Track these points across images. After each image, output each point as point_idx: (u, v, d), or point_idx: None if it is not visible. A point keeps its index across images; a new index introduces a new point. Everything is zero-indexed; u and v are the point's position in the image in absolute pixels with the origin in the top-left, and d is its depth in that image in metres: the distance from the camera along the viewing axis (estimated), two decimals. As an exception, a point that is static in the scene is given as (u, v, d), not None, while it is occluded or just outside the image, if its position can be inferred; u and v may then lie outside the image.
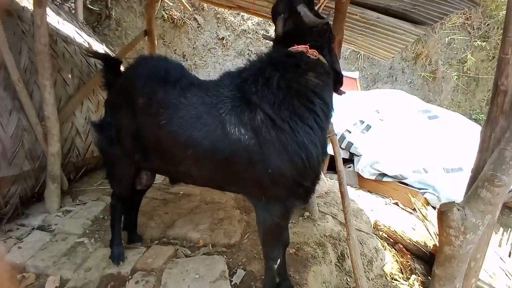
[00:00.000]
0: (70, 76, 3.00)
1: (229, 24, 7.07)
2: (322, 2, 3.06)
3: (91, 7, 6.30)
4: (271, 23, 6.97)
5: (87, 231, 2.35)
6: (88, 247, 2.16)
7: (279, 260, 1.71)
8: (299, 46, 1.47)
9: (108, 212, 2.62)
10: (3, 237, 2.25)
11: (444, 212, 0.93)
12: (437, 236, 2.95)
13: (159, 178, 3.64)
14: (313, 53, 1.47)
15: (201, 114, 1.52)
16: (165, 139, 1.61)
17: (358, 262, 1.94)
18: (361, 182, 4.57)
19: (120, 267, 1.95)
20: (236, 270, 2.03)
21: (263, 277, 2.00)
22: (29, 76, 2.54)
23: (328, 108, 1.51)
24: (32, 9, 2.78)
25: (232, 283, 1.90)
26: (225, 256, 2.16)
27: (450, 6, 2.73)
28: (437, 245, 2.98)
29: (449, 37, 7.57)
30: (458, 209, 0.90)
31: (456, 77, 7.68)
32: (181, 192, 3.20)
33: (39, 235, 2.29)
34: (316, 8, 3.28)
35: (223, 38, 7.07)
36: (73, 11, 5.45)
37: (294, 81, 1.45)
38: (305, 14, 1.46)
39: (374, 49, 4.24)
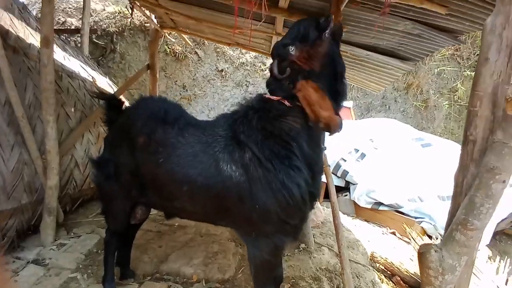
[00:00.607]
0: (73, 110, 3.12)
1: (228, 57, 7.40)
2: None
3: (97, 41, 6.62)
4: (267, 57, 7.31)
5: (80, 266, 2.34)
6: (81, 283, 2.14)
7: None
8: (272, 97, 1.56)
9: (101, 245, 2.61)
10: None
11: (422, 253, 0.97)
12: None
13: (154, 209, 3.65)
14: (285, 102, 1.52)
15: (197, 152, 1.61)
16: (163, 176, 1.68)
17: (353, 299, 1.93)
18: (358, 211, 4.56)
19: (112, 304, 1.93)
20: (229, 307, 2.01)
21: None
22: (33, 111, 2.66)
23: (302, 151, 1.52)
24: (39, 46, 2.96)
25: (225, 321, 1.87)
26: (218, 292, 2.14)
27: (435, 44, 2.92)
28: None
29: (439, 68, 7.89)
30: (436, 251, 0.94)
31: (447, 105, 7.91)
32: (176, 224, 3.20)
33: (33, 269, 2.27)
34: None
35: (222, 70, 7.36)
36: (79, 45, 5.74)
37: (269, 124, 1.54)
38: (270, 69, 1.57)
39: (365, 82, 4.43)
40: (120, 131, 1.91)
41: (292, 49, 1.50)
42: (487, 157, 0.91)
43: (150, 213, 3.52)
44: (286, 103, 1.52)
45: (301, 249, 2.92)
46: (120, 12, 6.94)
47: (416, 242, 3.49)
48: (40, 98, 2.66)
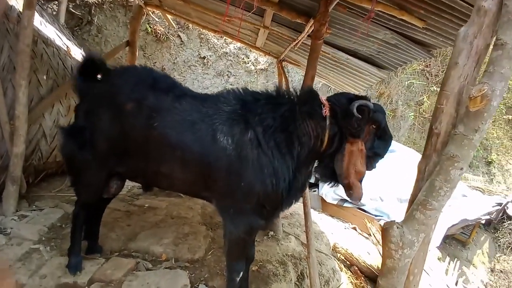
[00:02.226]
0: (45, 77, 2.95)
1: (211, 45, 7.31)
2: (299, 40, 3.37)
3: (74, 11, 6.22)
4: (251, 50, 7.33)
5: (43, 238, 2.25)
6: (44, 254, 2.07)
7: (241, 274, 1.78)
8: (323, 98, 1.67)
9: (66, 220, 2.53)
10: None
11: (386, 229, 1.10)
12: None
13: (123, 189, 3.57)
14: (326, 111, 1.61)
15: (196, 120, 1.65)
16: (155, 140, 1.69)
17: (316, 281, 2.06)
18: (324, 206, 4.80)
19: (77, 277, 1.89)
20: (198, 285, 2.05)
21: (224, 292, 2.03)
22: (5, 74, 2.50)
23: (298, 159, 1.63)
24: (20, 9, 2.77)
25: (192, 298, 1.91)
26: (187, 271, 2.17)
27: (409, 56, 3.15)
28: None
29: (409, 81, 8.44)
30: (398, 227, 1.07)
31: (413, 116, 8.49)
32: (146, 205, 3.16)
33: (-8, 237, 2.15)
34: (293, 45, 3.63)
35: (204, 57, 7.26)
36: (55, 13, 5.37)
37: (291, 117, 1.63)
38: (353, 105, 1.56)
39: (342, 85, 4.65)
40: (100, 98, 1.84)
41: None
42: (448, 147, 1.05)
43: (119, 193, 3.46)
44: (327, 112, 1.60)
45: (270, 236, 3.03)
46: (101, -17, 6.57)
47: (375, 237, 3.76)
48: (14, 61, 2.51)
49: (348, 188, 1.62)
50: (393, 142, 6.40)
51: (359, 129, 1.58)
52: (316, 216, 4.26)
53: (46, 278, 1.85)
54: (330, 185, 1.80)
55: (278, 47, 4.23)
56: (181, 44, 7.14)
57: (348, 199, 4.54)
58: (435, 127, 1.14)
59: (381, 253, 3.50)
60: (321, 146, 1.64)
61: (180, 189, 1.95)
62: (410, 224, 1.07)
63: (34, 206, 2.69)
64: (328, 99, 1.70)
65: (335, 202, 4.59)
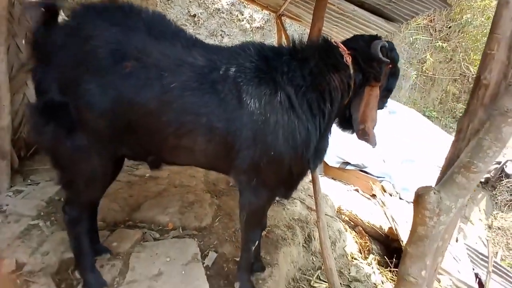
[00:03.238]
0: (23, 42, 2.64)
1: (202, 1, 6.73)
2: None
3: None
4: (246, 4, 6.79)
5: (42, 213, 2.15)
6: (44, 230, 1.99)
7: (256, 243, 1.72)
8: (341, 45, 1.50)
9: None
10: None
11: (421, 195, 0.99)
12: (393, 220, 3.21)
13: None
14: (348, 59, 1.46)
15: (217, 79, 1.39)
16: (172, 107, 1.37)
17: (327, 243, 2.04)
18: (326, 170, 4.78)
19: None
20: (208, 253, 2.02)
21: (235, 258, 2.01)
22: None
23: (330, 116, 1.51)
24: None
25: (204, 265, 1.89)
26: (196, 239, 2.13)
27: (422, 6, 2.87)
28: (393, 228, 3.25)
29: (413, 37, 8.03)
30: (435, 193, 0.97)
31: (415, 76, 8.23)
32: (147, 175, 3.05)
33: (-13, 215, 2.05)
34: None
35: (194, 15, 6.72)
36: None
37: (320, 72, 1.46)
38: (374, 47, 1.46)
39: (347, 41, 4.35)
40: (77, 57, 1.33)
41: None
42: (501, 100, 0.91)
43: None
44: (349, 59, 1.46)
45: (276, 201, 2.99)
46: None
47: (380, 198, 3.78)
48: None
49: (364, 134, 1.52)
50: (394, 103, 6.29)
51: (381, 71, 1.48)
52: (319, 180, 4.24)
53: (49, 255, 1.78)
54: (346, 132, 1.71)
55: (276, -1, 3.88)
56: (168, 0, 6.55)
57: (350, 161, 4.53)
58: (483, 77, 0.97)
59: (385, 214, 3.55)
60: (347, 98, 1.52)
61: (199, 163, 1.65)
62: (450, 189, 0.96)
63: (29, 181, 2.56)
64: (345, 44, 1.53)
65: (337, 165, 4.55)
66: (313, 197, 3.51)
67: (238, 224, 2.44)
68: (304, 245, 2.65)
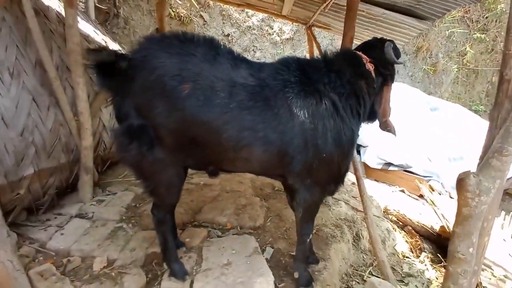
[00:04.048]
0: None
1: (234, 21, 7.21)
2: (330, 0, 3.24)
3: (100, 6, 6.41)
4: (275, 19, 7.12)
5: (124, 217, 2.54)
6: (128, 231, 2.35)
7: (311, 235, 1.91)
8: (364, 56, 1.76)
9: (138, 200, 2.82)
10: (42, 225, 2.41)
11: (462, 179, 1.13)
12: (444, 218, 3.17)
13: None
14: (370, 66, 1.73)
15: (269, 96, 1.56)
16: (231, 126, 1.52)
17: (377, 238, 2.15)
18: (368, 172, 4.78)
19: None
20: (265, 248, 2.24)
21: (290, 253, 2.21)
22: (61, 74, 2.69)
23: (363, 114, 1.78)
24: (56, 8, 2.92)
25: (264, 258, 2.10)
26: (253, 236, 2.36)
27: (453, 3, 2.91)
28: (445, 226, 3.20)
29: (449, 30, 7.74)
30: (474, 176, 1.10)
31: (456, 69, 7.87)
32: (201, 183, 3.39)
33: (78, 222, 2.47)
34: (323, 7, 3.48)
35: (228, 35, 7.21)
36: (83, 10, 5.58)
37: (354, 80, 1.71)
38: (388, 52, 1.74)
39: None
40: (148, 87, 1.52)
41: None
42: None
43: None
44: (371, 68, 1.71)
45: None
46: (121, -26, 6.64)
47: (429, 197, 3.72)
48: (66, 60, 2.70)
49: (386, 126, 1.82)
50: (436, 99, 6.11)
51: (395, 71, 1.81)
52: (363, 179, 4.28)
53: (136, 250, 2.12)
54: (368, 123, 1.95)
55: (306, 12, 4.07)
56: (204, 24, 7.12)
57: (393, 162, 4.49)
58: (505, 74, 1.12)
59: (436, 213, 3.49)
60: (372, 98, 1.80)
61: (254, 170, 1.82)
62: (486, 171, 1.08)
63: (107, 191, 3.01)
64: (362, 51, 1.79)
65: (379, 167, 4.55)
66: (356, 198, 3.61)
67: (288, 224, 2.64)
68: (354, 243, 2.75)
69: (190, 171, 3.81)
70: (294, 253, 2.07)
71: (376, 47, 1.78)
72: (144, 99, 1.54)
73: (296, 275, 1.90)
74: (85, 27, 3.75)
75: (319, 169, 1.66)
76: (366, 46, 1.85)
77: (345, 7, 2.78)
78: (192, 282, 1.85)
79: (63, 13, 2.80)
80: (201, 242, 2.20)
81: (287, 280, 1.98)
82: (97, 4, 6.38)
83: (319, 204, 1.90)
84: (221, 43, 1.69)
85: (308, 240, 1.90)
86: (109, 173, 3.47)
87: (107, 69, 1.53)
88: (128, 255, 2.08)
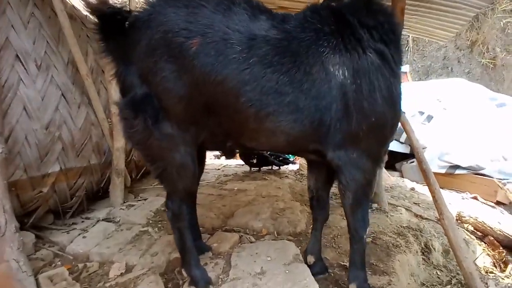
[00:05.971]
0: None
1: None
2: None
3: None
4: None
5: (151, 221, 2.33)
6: (153, 235, 2.12)
7: (368, 229, 1.48)
8: None
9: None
10: (67, 228, 2.27)
11: None
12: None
13: (211, 177, 3.61)
14: None
15: (298, 51, 1.27)
16: (252, 85, 1.25)
17: (459, 243, 1.63)
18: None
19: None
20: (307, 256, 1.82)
21: (341, 263, 1.77)
22: (95, 76, 2.68)
23: None
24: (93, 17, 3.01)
25: (307, 267, 1.68)
26: (293, 243, 1.97)
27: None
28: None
29: (505, 20, 6.84)
30: None
31: (519, 64, 6.87)
32: (235, 188, 3.11)
33: (104, 225, 2.31)
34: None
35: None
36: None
37: (390, 31, 1.39)
38: None
39: (430, 30, 3.92)
40: (152, 47, 1.30)
41: None
42: None
43: (208, 180, 3.49)
44: None
45: (374, 208, 2.64)
46: None
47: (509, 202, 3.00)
48: (101, 64, 2.70)
49: None
50: (501, 95, 5.40)
51: None
52: (421, 189, 3.64)
53: (157, 255, 1.86)
54: None
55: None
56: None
57: (460, 164, 3.79)
58: None
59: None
60: None
61: (283, 146, 1.48)
62: None
63: (139, 197, 2.86)
64: None
65: (443, 171, 3.85)
66: (419, 205, 3.02)
67: (336, 230, 2.20)
68: (423, 256, 2.20)
69: (224, 179, 3.60)
70: (346, 263, 1.64)
71: None
72: (149, 63, 1.31)
73: (353, 287, 1.46)
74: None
75: (368, 136, 1.32)
76: None
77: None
78: (216, 293, 1.51)
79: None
80: (230, 248, 1.86)
81: (340, 296, 1.54)
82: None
83: (372, 182, 1.58)
84: None
85: (365, 235, 1.46)
86: (144, 181, 3.36)
87: (111, 31, 1.34)
88: (149, 260, 1.83)
